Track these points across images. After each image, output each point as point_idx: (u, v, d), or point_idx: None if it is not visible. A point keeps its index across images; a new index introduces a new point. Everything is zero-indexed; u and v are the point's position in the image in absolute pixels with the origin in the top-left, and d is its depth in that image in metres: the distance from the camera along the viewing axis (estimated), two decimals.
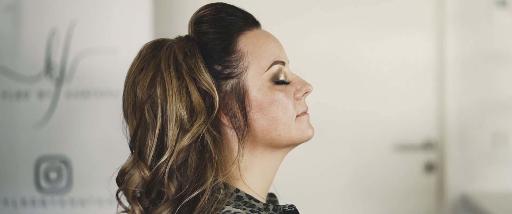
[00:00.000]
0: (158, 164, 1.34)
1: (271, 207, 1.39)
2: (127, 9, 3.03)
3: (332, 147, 4.18)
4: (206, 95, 1.36)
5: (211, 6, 1.43)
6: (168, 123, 1.34)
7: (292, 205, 1.41)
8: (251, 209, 1.36)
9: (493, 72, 4.16)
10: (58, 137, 2.99)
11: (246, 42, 1.40)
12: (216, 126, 1.37)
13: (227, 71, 1.38)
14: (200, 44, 1.40)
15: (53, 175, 2.99)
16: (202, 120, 1.34)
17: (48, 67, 2.97)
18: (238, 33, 1.41)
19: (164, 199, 1.36)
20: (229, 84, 1.39)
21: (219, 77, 1.39)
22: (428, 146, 4.21)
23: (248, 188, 1.41)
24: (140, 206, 1.38)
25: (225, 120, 1.39)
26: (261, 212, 1.36)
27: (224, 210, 1.32)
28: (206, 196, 1.32)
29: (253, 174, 1.42)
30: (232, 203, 1.35)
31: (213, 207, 1.32)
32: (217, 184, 1.35)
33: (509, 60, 4.16)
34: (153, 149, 1.36)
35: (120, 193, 1.43)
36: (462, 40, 4.14)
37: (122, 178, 1.41)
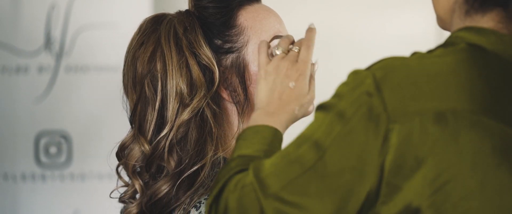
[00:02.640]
0: (158, 138, 1.34)
1: None
2: None
3: None
4: (206, 69, 1.36)
5: None
6: (168, 97, 1.34)
7: None
8: None
9: None
10: (57, 111, 2.99)
11: (246, 17, 1.40)
12: (216, 100, 1.37)
13: (227, 45, 1.38)
14: (200, 19, 1.40)
15: (53, 150, 2.99)
16: (202, 94, 1.34)
17: (48, 42, 2.97)
18: (238, 8, 1.41)
19: (164, 173, 1.36)
20: (229, 59, 1.39)
21: (219, 52, 1.38)
22: None
23: None
24: (140, 180, 1.38)
25: (225, 95, 1.39)
26: None
27: None
28: (206, 171, 1.33)
29: None
30: None
31: (213, 181, 1.32)
32: (217, 158, 1.35)
33: None
34: (153, 123, 1.36)
35: (120, 168, 1.43)
36: None
37: (122, 153, 1.41)
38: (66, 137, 3.00)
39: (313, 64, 1.31)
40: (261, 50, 1.29)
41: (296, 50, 1.28)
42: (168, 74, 1.35)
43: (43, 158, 2.99)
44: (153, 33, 1.39)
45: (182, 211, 1.33)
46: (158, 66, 1.36)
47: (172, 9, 1.46)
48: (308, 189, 0.97)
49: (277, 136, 1.17)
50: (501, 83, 0.98)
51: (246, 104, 1.39)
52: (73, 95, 2.99)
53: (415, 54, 1.01)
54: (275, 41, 1.39)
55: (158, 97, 1.35)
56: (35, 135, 2.99)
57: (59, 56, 2.97)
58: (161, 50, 1.36)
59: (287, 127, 1.22)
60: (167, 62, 1.35)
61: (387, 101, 0.94)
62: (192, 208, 1.31)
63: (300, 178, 0.97)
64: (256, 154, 1.11)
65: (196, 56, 1.36)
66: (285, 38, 1.33)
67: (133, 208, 1.39)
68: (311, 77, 1.28)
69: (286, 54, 1.28)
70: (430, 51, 1.01)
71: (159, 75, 1.36)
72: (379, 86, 0.95)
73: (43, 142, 2.99)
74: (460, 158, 0.94)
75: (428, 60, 0.99)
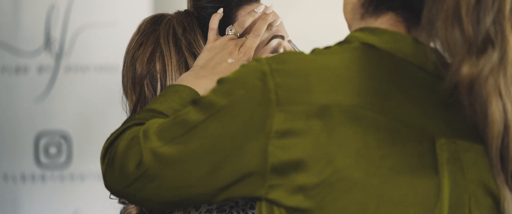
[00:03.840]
0: None
1: None
2: None
3: None
4: None
5: None
6: None
7: None
8: None
9: None
10: (57, 111, 2.99)
11: None
12: None
13: None
14: (199, 19, 1.40)
15: (52, 150, 2.99)
16: None
17: (48, 42, 2.96)
18: (237, 8, 1.40)
19: None
20: None
21: None
22: None
23: None
24: None
25: None
26: None
27: None
28: None
29: None
30: None
31: None
32: None
33: None
34: None
35: None
36: None
37: None
38: (66, 137, 2.99)
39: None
40: (212, 26, 1.37)
41: (247, 37, 1.36)
42: (167, 74, 1.35)
43: (43, 158, 2.99)
44: (152, 33, 1.38)
45: (182, 212, 1.33)
46: (158, 66, 1.36)
47: (171, 9, 1.46)
48: (186, 147, 1.02)
49: None
50: (392, 80, 1.00)
51: None
52: (72, 96, 2.99)
53: (314, 50, 1.04)
54: (274, 41, 1.40)
55: None
56: (34, 135, 2.99)
57: (58, 56, 2.97)
58: (161, 50, 1.36)
59: None
60: (166, 63, 1.35)
61: (278, 89, 0.97)
62: (192, 208, 1.31)
63: (181, 137, 1.02)
64: (166, 111, 1.19)
65: (195, 56, 1.36)
66: (242, 22, 1.38)
67: (133, 209, 1.39)
68: None
69: (237, 37, 1.37)
70: (326, 48, 1.05)
71: (158, 75, 1.35)
72: (273, 74, 0.98)
73: (42, 142, 2.99)
74: (344, 151, 0.96)
75: (322, 56, 1.02)
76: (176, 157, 1.02)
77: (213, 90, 1.03)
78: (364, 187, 0.97)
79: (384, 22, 1.05)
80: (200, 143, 1.01)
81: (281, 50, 1.40)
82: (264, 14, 1.37)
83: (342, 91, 0.98)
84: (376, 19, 1.06)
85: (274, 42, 1.40)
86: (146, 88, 1.36)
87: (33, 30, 2.97)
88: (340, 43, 1.05)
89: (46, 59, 2.98)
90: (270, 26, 1.39)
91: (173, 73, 1.34)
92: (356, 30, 1.07)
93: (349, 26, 1.12)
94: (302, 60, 1.01)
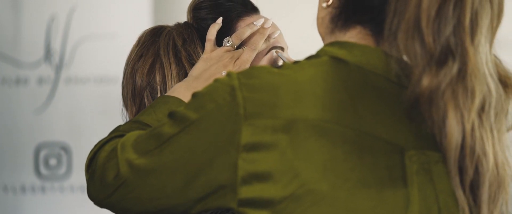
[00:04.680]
0: None
1: None
2: None
3: None
4: None
5: None
6: None
7: None
8: None
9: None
10: (57, 123, 2.99)
11: None
12: None
13: None
14: (199, 31, 1.40)
15: (52, 162, 2.99)
16: None
17: (48, 54, 2.97)
18: (237, 19, 1.41)
19: None
20: None
21: None
22: None
23: None
24: None
25: None
26: None
27: None
28: None
29: None
30: None
31: None
32: None
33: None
34: None
35: None
36: None
37: None
38: (66, 149, 2.99)
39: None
40: (209, 37, 1.37)
41: (243, 49, 1.37)
42: (167, 86, 1.35)
43: (43, 170, 2.99)
44: (152, 45, 1.39)
45: None
46: (158, 78, 1.36)
47: (171, 21, 1.46)
48: (160, 159, 1.03)
49: None
50: (361, 93, 1.01)
51: None
52: (72, 107, 2.99)
53: (283, 65, 1.05)
54: (273, 52, 1.40)
55: None
56: (35, 146, 2.99)
57: (58, 67, 2.98)
58: (160, 62, 1.36)
59: None
60: (166, 74, 1.35)
61: (246, 103, 0.98)
62: None
63: (155, 149, 1.04)
64: (152, 123, 1.21)
65: None
66: (239, 34, 1.38)
67: None
68: None
69: (233, 49, 1.37)
70: (296, 62, 1.05)
71: (158, 87, 1.36)
72: (241, 88, 0.99)
73: (43, 153, 2.99)
74: (311, 165, 0.96)
75: (290, 71, 1.02)
76: (151, 169, 1.04)
77: (187, 104, 1.04)
78: (332, 200, 0.97)
79: (353, 35, 1.05)
80: (173, 156, 1.02)
81: (280, 61, 1.41)
82: (262, 28, 1.37)
83: (308, 106, 0.98)
84: (345, 33, 1.06)
85: (273, 53, 1.40)
86: (146, 100, 1.37)
87: (33, 42, 2.97)
88: (309, 58, 1.06)
89: (46, 70, 2.98)
90: (268, 37, 1.39)
91: (173, 84, 1.34)
92: (327, 45, 1.07)
93: (323, 40, 1.12)
94: (270, 74, 1.01)
